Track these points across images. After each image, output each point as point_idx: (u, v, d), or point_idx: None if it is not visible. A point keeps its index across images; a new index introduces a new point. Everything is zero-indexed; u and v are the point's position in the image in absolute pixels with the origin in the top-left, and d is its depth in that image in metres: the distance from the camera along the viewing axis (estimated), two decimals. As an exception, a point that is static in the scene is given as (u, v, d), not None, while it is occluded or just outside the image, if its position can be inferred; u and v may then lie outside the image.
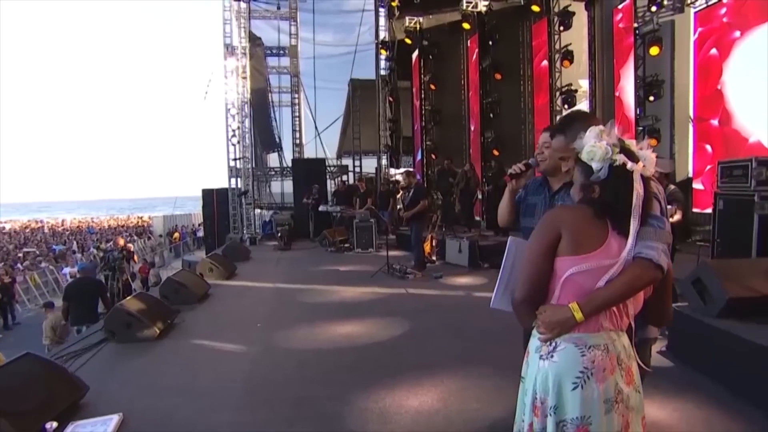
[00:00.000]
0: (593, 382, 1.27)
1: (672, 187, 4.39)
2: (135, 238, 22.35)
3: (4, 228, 32.78)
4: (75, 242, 23.35)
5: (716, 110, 7.50)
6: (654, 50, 7.59)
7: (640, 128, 7.99)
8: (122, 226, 32.93)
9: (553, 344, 1.33)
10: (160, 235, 24.85)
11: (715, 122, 7.57)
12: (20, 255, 18.41)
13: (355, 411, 2.93)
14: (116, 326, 4.51)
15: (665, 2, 7.75)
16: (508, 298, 1.48)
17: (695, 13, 7.87)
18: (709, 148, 7.73)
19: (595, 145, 1.34)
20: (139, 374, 3.70)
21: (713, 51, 7.54)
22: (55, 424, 2.67)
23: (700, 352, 3.25)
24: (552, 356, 1.32)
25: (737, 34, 7.08)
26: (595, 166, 1.35)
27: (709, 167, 7.51)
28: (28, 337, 9.38)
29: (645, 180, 1.36)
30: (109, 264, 8.76)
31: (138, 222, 36.36)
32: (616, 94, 8.80)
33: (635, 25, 8.06)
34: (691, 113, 8.04)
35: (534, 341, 1.43)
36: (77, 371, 3.78)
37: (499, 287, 1.47)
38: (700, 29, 7.79)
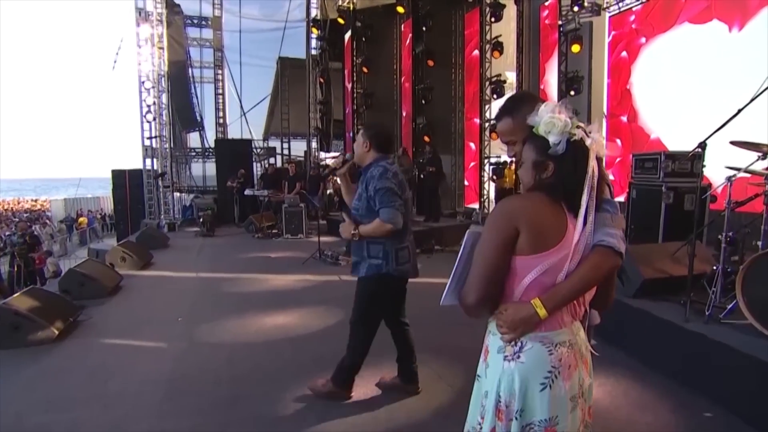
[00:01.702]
0: (560, 381, 1.22)
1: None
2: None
3: None
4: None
5: (626, 108, 8.13)
6: (575, 48, 8.02)
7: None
8: (10, 210, 29.00)
9: (519, 344, 1.26)
10: (61, 221, 22.30)
11: (624, 118, 8.21)
12: None
13: (292, 409, 2.76)
14: None
15: (585, 3, 8.20)
16: (456, 293, 1.36)
17: (609, 17, 8.41)
18: (619, 142, 8.38)
19: (555, 117, 1.26)
20: (32, 386, 3.17)
21: (624, 54, 8.13)
22: None
23: (617, 329, 3.48)
24: (519, 356, 1.25)
25: (643, 40, 7.68)
26: (552, 139, 1.25)
27: (618, 159, 8.16)
28: None
29: (598, 161, 1.32)
30: (7, 251, 7.66)
31: (32, 206, 32.29)
32: (541, 87, 9.22)
33: (559, 22, 8.45)
34: (605, 109, 8.66)
35: (494, 339, 1.33)
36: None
37: (451, 284, 1.34)
38: (613, 32, 8.35)
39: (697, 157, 4.09)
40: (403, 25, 11.75)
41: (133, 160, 13.15)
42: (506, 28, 9.75)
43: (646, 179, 5.02)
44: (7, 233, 15.90)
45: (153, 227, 10.55)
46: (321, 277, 6.22)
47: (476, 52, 10.10)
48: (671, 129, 7.17)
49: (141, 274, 6.50)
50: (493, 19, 9.33)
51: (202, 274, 6.55)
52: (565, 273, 1.24)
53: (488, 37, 9.58)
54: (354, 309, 2.76)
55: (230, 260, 7.54)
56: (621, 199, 5.68)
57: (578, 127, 1.28)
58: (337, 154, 11.12)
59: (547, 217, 1.24)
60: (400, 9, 10.83)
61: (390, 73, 12.61)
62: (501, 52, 9.44)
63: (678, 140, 6.74)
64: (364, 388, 2.97)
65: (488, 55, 9.59)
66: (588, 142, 1.27)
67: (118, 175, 13.23)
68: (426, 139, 10.78)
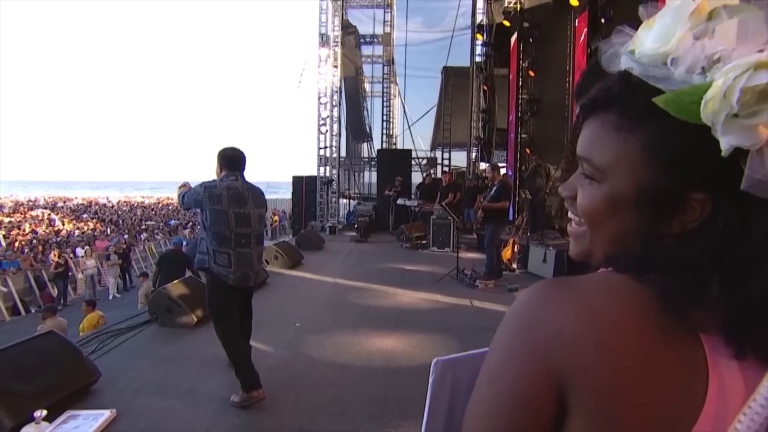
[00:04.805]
0: None
1: None
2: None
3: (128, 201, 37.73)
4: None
5: None
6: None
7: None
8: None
9: None
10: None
11: None
12: (143, 227, 20.88)
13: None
14: (158, 310, 4.50)
15: None
16: None
17: None
18: None
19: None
20: (158, 366, 3.57)
21: None
22: (44, 413, 2.54)
23: None
24: None
25: None
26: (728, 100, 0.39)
27: None
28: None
29: None
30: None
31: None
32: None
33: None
34: None
35: None
36: (110, 352, 3.78)
37: None
38: None
39: None
40: (577, 20, 10.31)
41: (311, 168, 14.67)
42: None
43: None
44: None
45: (313, 230, 11.50)
46: (451, 299, 5.70)
47: (673, 41, 8.18)
48: None
49: (287, 273, 7.00)
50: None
51: (339, 280, 6.70)
52: None
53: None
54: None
55: (370, 268, 7.59)
56: None
57: None
58: (491, 163, 10.39)
59: (652, 371, 0.42)
60: (574, 1, 9.52)
61: (561, 75, 11.22)
62: (709, 39, 7.41)
63: None
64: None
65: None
66: None
67: (297, 181, 14.91)
68: (600, 148, 9.21)
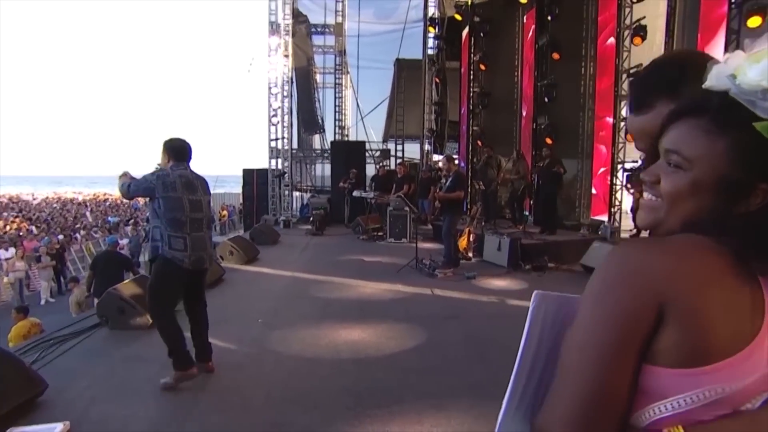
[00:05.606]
0: None
1: None
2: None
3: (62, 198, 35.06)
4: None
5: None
6: (754, 21, 6.22)
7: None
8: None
9: None
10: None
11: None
12: (78, 225, 19.44)
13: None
14: (109, 312, 4.23)
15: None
16: (526, 418, 0.71)
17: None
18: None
19: None
20: (114, 370, 3.35)
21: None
22: None
23: None
24: None
25: None
26: None
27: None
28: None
29: None
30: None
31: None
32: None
33: (730, -8, 6.73)
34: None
35: None
36: (54, 360, 3.51)
37: (510, 401, 0.72)
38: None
39: None
40: (525, 16, 10.69)
41: (262, 160, 14.26)
42: (653, 9, 8.17)
43: None
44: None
45: (266, 224, 11.21)
46: (412, 288, 5.78)
47: (611, 40, 8.68)
48: None
49: (244, 269, 6.80)
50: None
51: (298, 274, 6.59)
52: (746, 407, 0.59)
53: (628, 21, 8.13)
54: (147, 294, 3.27)
55: (329, 261, 7.54)
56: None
57: None
58: (446, 154, 10.57)
59: (726, 298, 0.57)
60: (523, -2, 9.86)
61: (510, 69, 11.61)
62: (644, 38, 7.91)
63: None
64: None
65: (627, 42, 8.14)
66: None
67: (248, 174, 14.46)
68: (548, 141, 9.62)
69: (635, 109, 0.84)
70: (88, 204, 29.91)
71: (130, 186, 3.11)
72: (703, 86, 0.64)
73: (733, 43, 6.66)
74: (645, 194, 0.69)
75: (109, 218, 22.07)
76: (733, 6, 6.61)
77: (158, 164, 3.26)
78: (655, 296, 0.58)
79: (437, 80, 13.19)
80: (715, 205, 0.62)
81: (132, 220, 19.96)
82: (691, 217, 0.64)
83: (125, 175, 3.24)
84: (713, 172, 0.61)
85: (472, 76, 11.55)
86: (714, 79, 0.63)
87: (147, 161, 3.67)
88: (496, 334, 4.21)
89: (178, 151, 3.20)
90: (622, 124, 8.24)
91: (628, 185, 8.28)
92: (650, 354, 0.59)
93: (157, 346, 3.72)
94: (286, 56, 12.52)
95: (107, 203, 29.84)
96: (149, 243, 3.13)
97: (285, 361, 3.53)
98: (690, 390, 0.58)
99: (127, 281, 4.65)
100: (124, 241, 16.51)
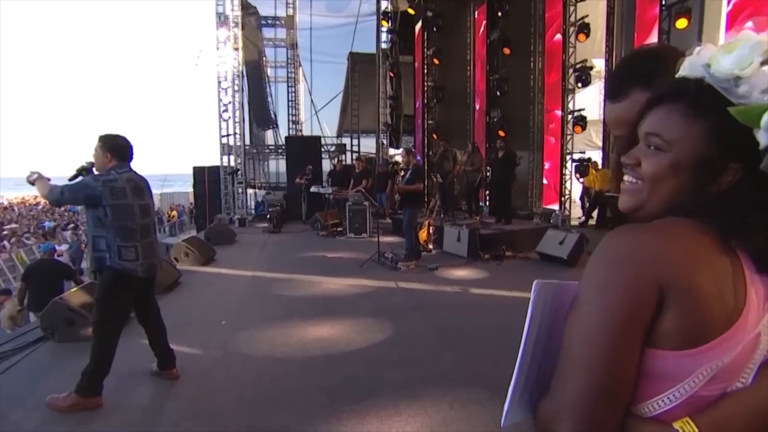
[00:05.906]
0: None
1: None
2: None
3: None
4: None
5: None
6: (681, 23, 6.74)
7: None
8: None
9: None
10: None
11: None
12: (5, 232, 17.89)
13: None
14: (55, 324, 3.93)
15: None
16: (528, 405, 0.75)
17: (730, -19, 7.01)
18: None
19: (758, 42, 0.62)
20: (66, 387, 3.08)
21: (749, 25, 6.71)
22: None
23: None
24: None
25: (777, 6, 6.26)
26: (754, 95, 0.61)
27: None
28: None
29: None
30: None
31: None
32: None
33: (662, -6, 7.21)
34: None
35: None
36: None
37: (514, 392, 0.72)
38: (734, 0, 6.95)
39: None
40: (477, 12, 10.95)
41: (213, 157, 13.73)
42: (594, 8, 8.61)
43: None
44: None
45: (221, 223, 10.86)
46: (377, 282, 5.80)
47: (558, 36, 9.06)
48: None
49: (201, 271, 6.55)
50: (578, -2, 8.26)
51: (258, 273, 6.44)
52: (731, 388, 0.64)
53: (572, 19, 8.53)
54: (95, 309, 2.98)
55: (289, 259, 7.41)
56: None
57: None
58: (405, 147, 10.65)
59: (717, 277, 0.62)
60: (474, -6, 10.07)
61: (463, 64, 11.87)
62: (587, 35, 8.34)
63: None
64: (400, 430, 2.47)
65: (572, 39, 8.54)
66: None
67: (199, 172, 13.86)
68: (501, 133, 9.93)
69: (611, 98, 0.90)
70: (15, 208, 27.61)
71: (64, 192, 2.76)
72: (678, 75, 0.69)
73: (664, 41, 7.14)
74: (626, 178, 0.72)
75: (45, 223, 20.48)
76: (663, 8, 7.10)
77: (87, 162, 2.93)
78: (655, 279, 0.60)
79: (391, 74, 13.24)
80: (693, 184, 0.66)
81: (71, 225, 18.63)
82: (672, 198, 0.68)
83: (41, 178, 2.85)
84: (692, 153, 0.66)
85: (426, 71, 11.68)
86: (689, 69, 0.67)
87: (73, 160, 3.28)
88: (462, 322, 4.33)
89: (122, 150, 2.88)
90: (570, 117, 8.65)
91: (577, 175, 8.72)
92: (652, 338, 0.62)
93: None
94: (236, 49, 12.11)
95: (39, 207, 27.65)
96: (92, 253, 2.90)
97: (254, 363, 3.44)
98: (692, 371, 0.61)
99: (74, 290, 4.34)
100: (63, 248, 15.40)
